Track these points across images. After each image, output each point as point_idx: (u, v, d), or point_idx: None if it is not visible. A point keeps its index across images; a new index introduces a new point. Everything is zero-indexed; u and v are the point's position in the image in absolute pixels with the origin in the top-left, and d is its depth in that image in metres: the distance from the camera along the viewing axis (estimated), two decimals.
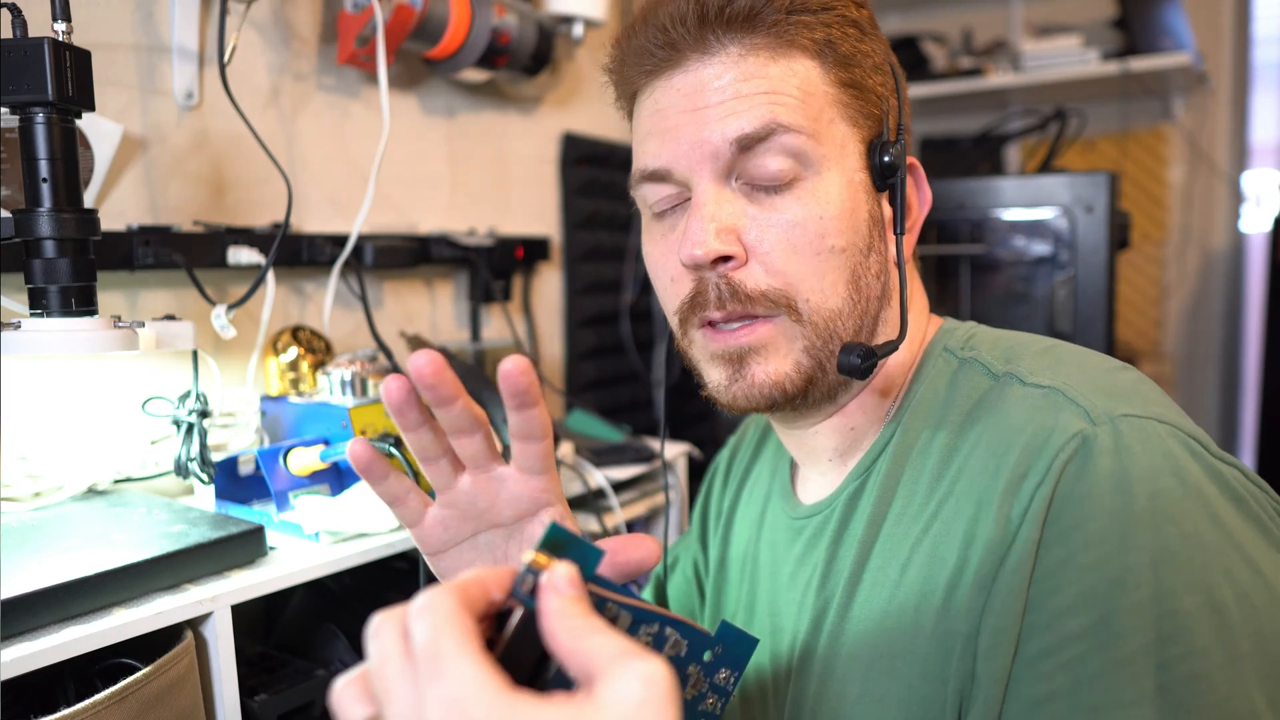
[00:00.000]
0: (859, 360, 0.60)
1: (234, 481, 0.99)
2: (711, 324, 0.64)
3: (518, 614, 0.37)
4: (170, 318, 0.91)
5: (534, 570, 0.37)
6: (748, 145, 0.61)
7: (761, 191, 0.62)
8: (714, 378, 0.65)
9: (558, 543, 0.39)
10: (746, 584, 0.79)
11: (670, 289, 0.66)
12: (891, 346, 0.63)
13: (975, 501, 0.57)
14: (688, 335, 0.66)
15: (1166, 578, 0.49)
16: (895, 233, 0.66)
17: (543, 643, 0.36)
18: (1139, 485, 0.51)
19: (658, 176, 0.64)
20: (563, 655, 0.35)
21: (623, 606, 0.40)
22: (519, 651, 0.37)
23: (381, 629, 0.37)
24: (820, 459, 0.71)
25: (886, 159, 0.64)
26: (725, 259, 0.61)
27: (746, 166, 0.62)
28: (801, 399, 0.64)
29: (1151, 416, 0.54)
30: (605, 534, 1.22)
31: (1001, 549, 0.53)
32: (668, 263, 0.65)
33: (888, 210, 0.66)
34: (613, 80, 0.71)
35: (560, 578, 0.37)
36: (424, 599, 0.36)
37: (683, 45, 0.62)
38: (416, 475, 0.93)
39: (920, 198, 0.70)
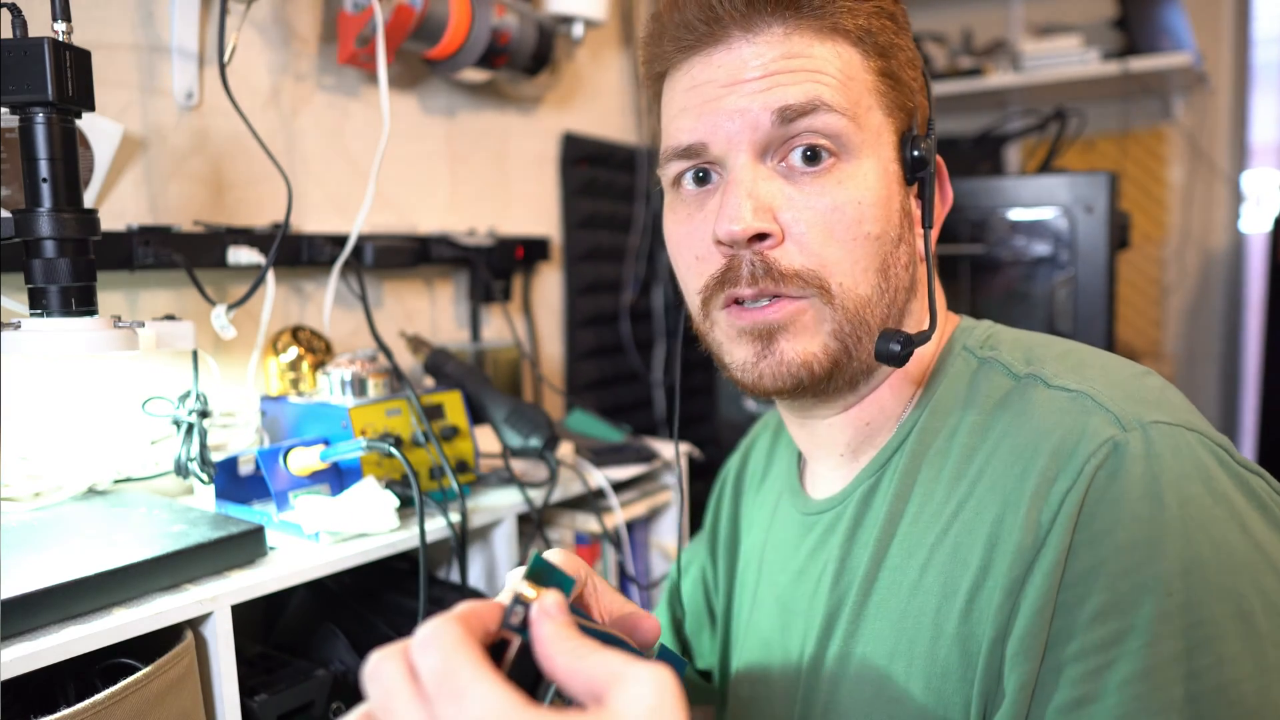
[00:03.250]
0: (898, 347, 0.60)
1: (234, 481, 0.99)
2: (739, 302, 0.63)
3: (515, 644, 0.39)
4: (170, 318, 0.91)
5: (523, 602, 0.38)
6: (790, 118, 0.60)
7: (799, 173, 0.61)
8: (739, 356, 0.64)
9: (541, 572, 0.40)
10: (756, 580, 0.79)
11: (695, 267, 0.65)
12: (925, 336, 0.63)
13: (1000, 503, 0.56)
14: (710, 316, 0.65)
15: (1196, 586, 0.49)
16: (924, 226, 0.66)
17: (536, 670, 0.38)
18: (1170, 493, 0.51)
19: (691, 153, 0.63)
20: (564, 676, 0.35)
21: (588, 630, 0.42)
22: (517, 680, 0.38)
23: (382, 666, 0.36)
24: (832, 454, 0.71)
25: (917, 153, 0.64)
26: (762, 237, 0.61)
27: (785, 145, 0.61)
28: (826, 383, 0.64)
29: (1180, 424, 0.54)
30: (605, 534, 1.22)
31: (1030, 553, 0.53)
32: (694, 240, 0.65)
33: (914, 204, 0.67)
34: (646, 55, 0.69)
35: (552, 604, 0.38)
36: (428, 631, 0.36)
37: (728, 21, 0.62)
38: (416, 476, 0.93)
39: (942, 195, 0.70)
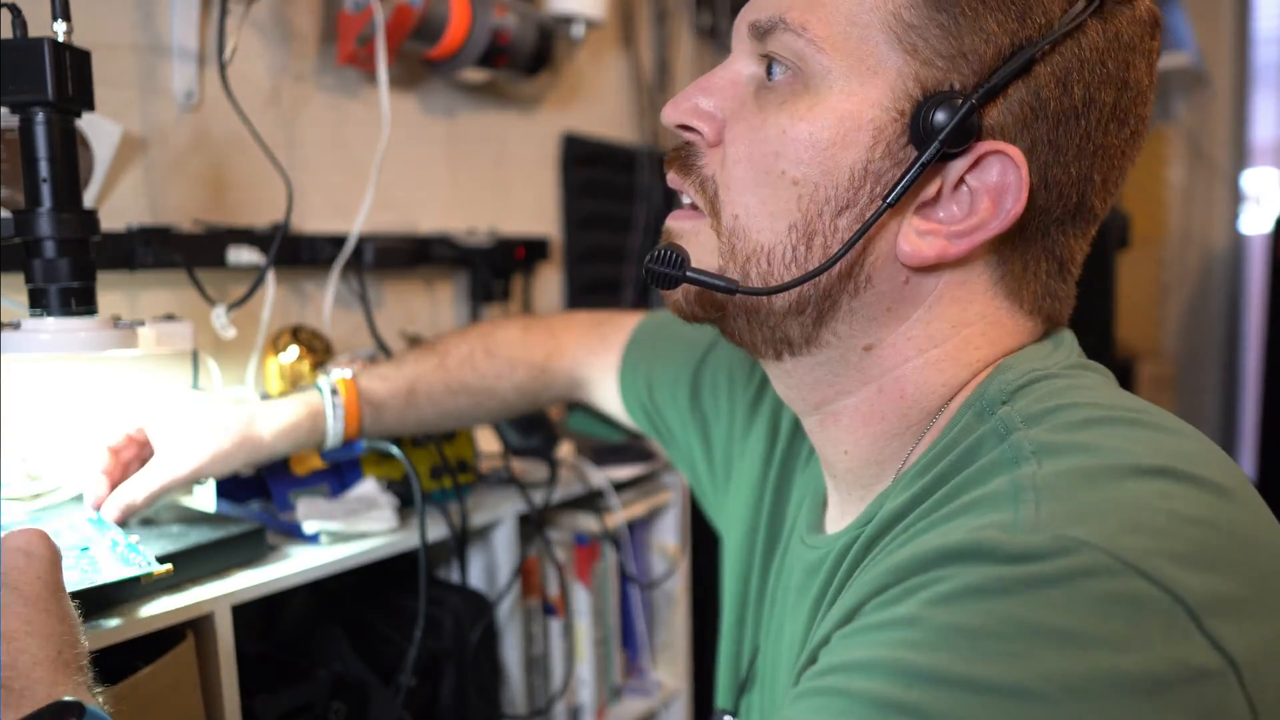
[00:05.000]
0: (670, 262, 0.55)
1: (234, 481, 0.99)
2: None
3: None
4: (170, 318, 0.91)
5: None
6: (759, 36, 0.54)
7: (767, 91, 0.54)
8: None
9: None
10: (779, 569, 0.71)
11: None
12: (730, 285, 0.53)
13: None
14: None
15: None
16: (884, 199, 0.51)
17: None
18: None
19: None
20: None
21: None
22: None
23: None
24: (830, 472, 0.63)
25: (940, 115, 0.49)
26: (687, 129, 0.57)
27: (763, 60, 0.55)
28: (712, 322, 0.59)
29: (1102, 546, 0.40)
30: (605, 534, 1.22)
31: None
32: None
33: (932, 188, 0.52)
34: None
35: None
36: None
37: None
38: (416, 476, 0.93)
39: (999, 203, 0.50)
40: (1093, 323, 1.55)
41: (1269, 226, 2.23)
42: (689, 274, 0.55)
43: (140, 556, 0.73)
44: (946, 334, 0.54)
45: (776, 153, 0.53)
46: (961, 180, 0.51)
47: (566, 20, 1.56)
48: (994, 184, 0.50)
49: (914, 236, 0.52)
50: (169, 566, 0.72)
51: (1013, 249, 0.53)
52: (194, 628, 0.77)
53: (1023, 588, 0.39)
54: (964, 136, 0.49)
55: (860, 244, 0.52)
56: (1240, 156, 2.49)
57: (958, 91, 0.50)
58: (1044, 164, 0.51)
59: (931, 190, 0.52)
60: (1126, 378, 2.27)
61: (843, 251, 0.52)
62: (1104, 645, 0.38)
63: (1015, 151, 0.50)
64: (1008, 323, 0.55)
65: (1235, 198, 2.48)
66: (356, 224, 1.19)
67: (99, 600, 0.71)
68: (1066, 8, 0.49)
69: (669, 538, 1.38)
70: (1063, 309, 0.57)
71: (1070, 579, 0.39)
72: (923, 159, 0.49)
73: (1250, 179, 2.49)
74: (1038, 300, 0.55)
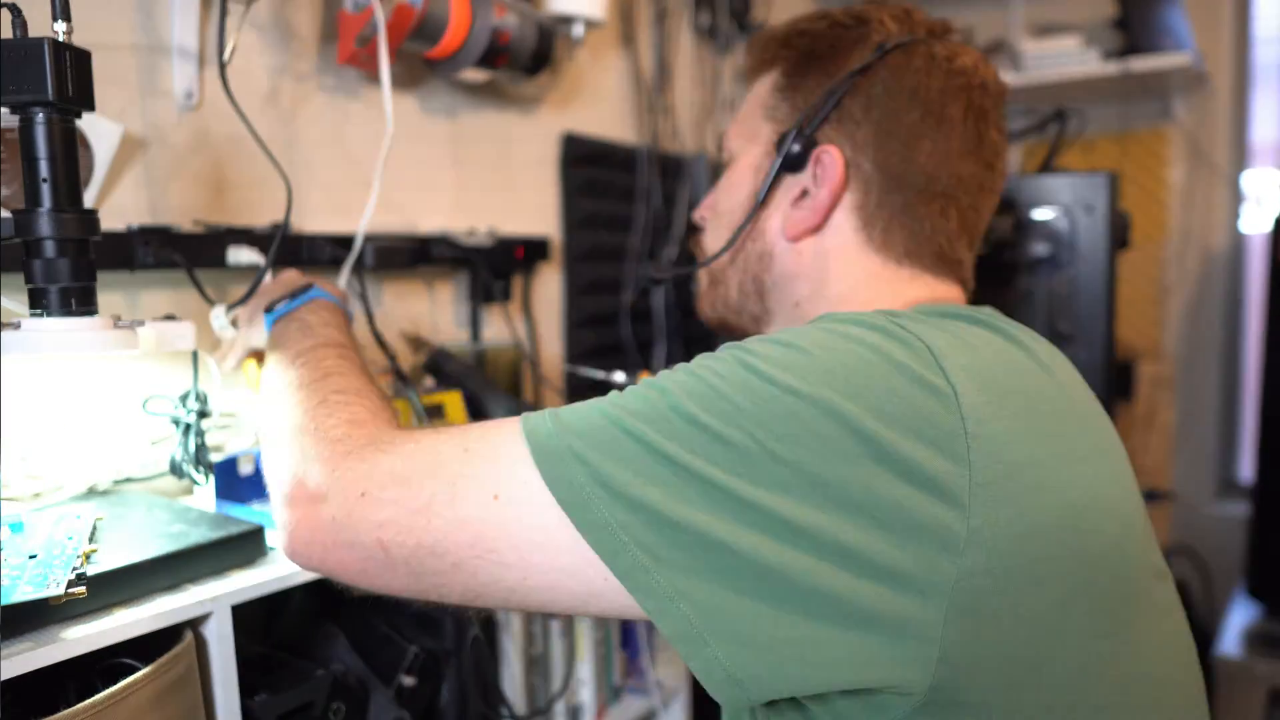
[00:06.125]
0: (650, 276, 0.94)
1: (234, 481, 0.99)
2: None
3: None
4: (170, 318, 0.91)
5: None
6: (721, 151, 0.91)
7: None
8: None
9: None
10: None
11: None
12: (689, 265, 0.94)
13: None
14: None
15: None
16: (755, 199, 0.81)
17: None
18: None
19: None
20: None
21: None
22: None
23: None
24: None
25: (798, 147, 0.78)
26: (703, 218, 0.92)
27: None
28: (725, 323, 0.89)
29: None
30: None
31: None
32: None
33: (795, 189, 0.80)
34: None
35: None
36: None
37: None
38: None
39: (829, 179, 0.77)
40: (1093, 323, 1.55)
41: (1269, 226, 2.22)
42: (659, 274, 0.94)
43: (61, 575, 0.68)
44: (838, 283, 0.79)
45: (714, 203, 0.89)
46: (814, 176, 0.78)
47: (566, 20, 1.56)
48: (827, 169, 0.78)
49: (793, 220, 0.80)
50: (82, 589, 0.67)
51: (870, 212, 0.78)
52: (194, 627, 0.77)
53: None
54: (805, 150, 0.78)
55: (756, 233, 0.82)
56: (1240, 156, 2.49)
57: (794, 129, 0.79)
58: (869, 149, 0.77)
59: (798, 190, 0.80)
60: (1126, 377, 2.27)
61: (737, 233, 0.83)
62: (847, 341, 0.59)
63: (833, 148, 0.77)
64: (884, 272, 0.78)
65: (1235, 198, 2.48)
66: (361, 225, 1.19)
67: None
68: (860, 60, 0.77)
69: None
70: (933, 254, 0.79)
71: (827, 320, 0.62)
72: (772, 171, 0.79)
73: (1250, 179, 2.49)
74: (902, 246, 0.78)
